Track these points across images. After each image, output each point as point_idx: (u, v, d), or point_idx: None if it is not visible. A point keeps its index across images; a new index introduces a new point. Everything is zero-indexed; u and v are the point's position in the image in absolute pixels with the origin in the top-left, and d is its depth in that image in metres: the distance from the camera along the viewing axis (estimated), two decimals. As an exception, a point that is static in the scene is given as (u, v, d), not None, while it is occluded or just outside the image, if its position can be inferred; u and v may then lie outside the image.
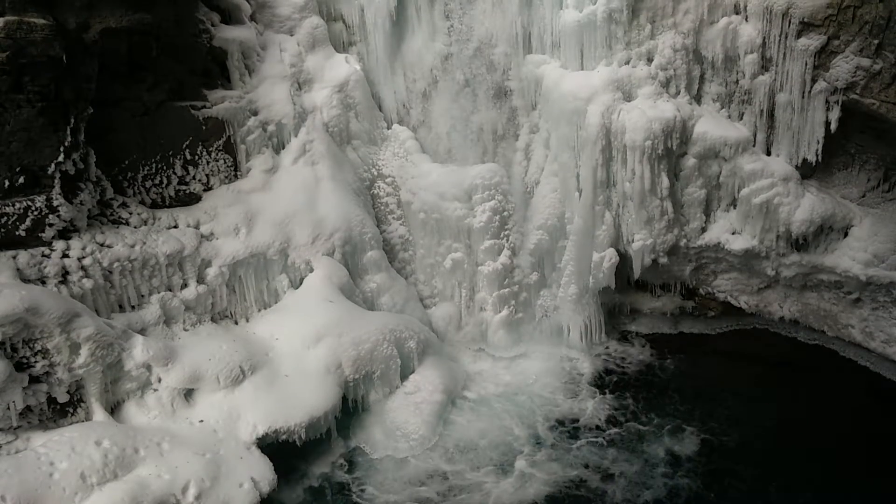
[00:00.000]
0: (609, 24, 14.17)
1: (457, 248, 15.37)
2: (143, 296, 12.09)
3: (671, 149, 14.06)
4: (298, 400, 11.69)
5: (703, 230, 14.90)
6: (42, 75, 10.32)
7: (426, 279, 15.76)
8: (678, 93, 14.37)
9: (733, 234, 14.73)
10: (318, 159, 14.42)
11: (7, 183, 10.55)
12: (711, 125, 14.20)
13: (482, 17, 15.26)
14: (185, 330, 12.40)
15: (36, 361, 10.17)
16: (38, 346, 10.14)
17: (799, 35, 13.00)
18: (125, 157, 12.46)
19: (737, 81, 14.21)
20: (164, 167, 12.93)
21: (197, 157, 13.31)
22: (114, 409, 11.04)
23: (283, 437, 11.40)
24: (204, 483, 10.17)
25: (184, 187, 13.22)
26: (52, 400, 10.41)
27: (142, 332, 11.67)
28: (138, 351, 11.07)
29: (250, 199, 13.63)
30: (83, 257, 11.30)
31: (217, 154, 13.55)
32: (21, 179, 10.65)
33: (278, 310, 13.41)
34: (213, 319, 12.91)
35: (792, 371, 14.57)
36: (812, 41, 12.84)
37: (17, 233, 10.73)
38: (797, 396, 13.76)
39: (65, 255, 11.17)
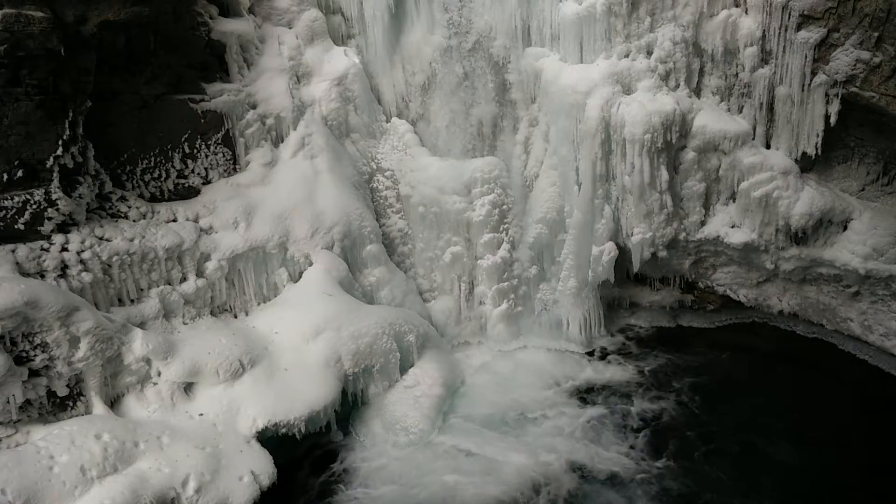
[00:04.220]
0: (608, 17, 14.13)
1: (456, 242, 15.37)
2: (142, 289, 12.08)
3: (670, 142, 14.04)
4: (298, 393, 11.70)
5: (703, 224, 14.90)
6: (40, 68, 10.29)
7: (425, 273, 15.75)
8: (678, 86, 14.35)
9: (732, 227, 14.74)
10: (316, 153, 14.39)
11: (6, 176, 10.53)
12: (711, 118, 14.19)
13: (481, 10, 15.21)
14: (185, 324, 12.39)
15: (35, 355, 10.17)
16: (37, 340, 10.14)
17: (799, 28, 12.97)
18: (124, 151, 12.43)
19: (736, 74, 14.19)
20: (163, 161, 12.90)
21: (196, 151, 13.28)
22: (113, 403, 11.05)
23: (283, 430, 11.42)
24: (204, 476, 10.20)
25: (182, 181, 13.20)
26: (51, 393, 10.41)
27: (141, 325, 11.67)
28: (138, 345, 11.07)
29: (249, 192, 13.61)
30: (82, 251, 11.28)
31: (216, 147, 13.52)
32: (20, 173, 10.63)
33: (277, 303, 13.40)
34: (212, 313, 12.91)
35: (791, 364, 14.60)
36: (812, 34, 12.82)
37: (15, 226, 10.71)
38: (796, 390, 13.78)
39: (64, 249, 11.16)
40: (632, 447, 12.36)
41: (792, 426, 12.64)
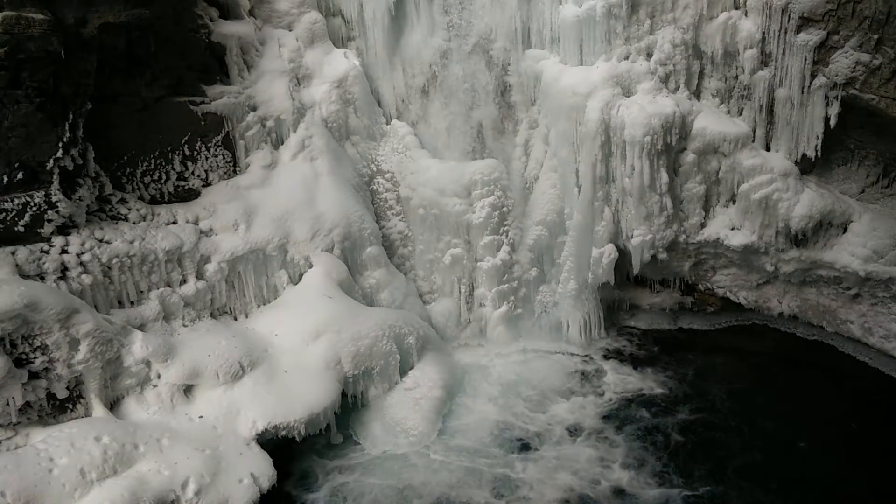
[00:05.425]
0: (608, 19, 14.14)
1: (456, 244, 15.37)
2: (142, 292, 12.08)
3: (670, 144, 14.05)
4: (298, 396, 11.69)
5: (703, 226, 14.90)
6: (40, 70, 10.29)
7: (425, 275, 15.75)
8: (677, 88, 14.35)
9: (732, 229, 14.73)
10: (317, 155, 14.40)
11: (6, 178, 10.53)
12: (711, 120, 14.19)
13: (481, 13, 15.23)
14: (185, 326, 12.39)
15: (35, 357, 10.17)
16: (37, 342, 10.14)
17: (798, 30, 12.98)
18: (124, 153, 12.44)
19: (736, 77, 14.20)
20: (163, 163, 12.91)
21: (196, 153, 13.29)
22: (113, 405, 11.05)
23: (283, 432, 11.42)
24: (203, 479, 10.20)
25: (182, 183, 13.20)
26: (51, 396, 10.40)
27: (141, 328, 11.66)
28: (137, 347, 11.08)
29: (249, 194, 13.62)
30: (82, 253, 11.28)
31: (216, 149, 13.53)
32: (20, 175, 10.63)
33: (277, 306, 13.40)
34: (212, 315, 12.91)
35: (791, 367, 14.59)
36: (811, 36, 12.83)
37: (15, 228, 10.71)
38: (796, 392, 13.77)
39: (64, 251, 11.15)
40: (654, 462, 12.10)
41: (791, 428, 12.60)
